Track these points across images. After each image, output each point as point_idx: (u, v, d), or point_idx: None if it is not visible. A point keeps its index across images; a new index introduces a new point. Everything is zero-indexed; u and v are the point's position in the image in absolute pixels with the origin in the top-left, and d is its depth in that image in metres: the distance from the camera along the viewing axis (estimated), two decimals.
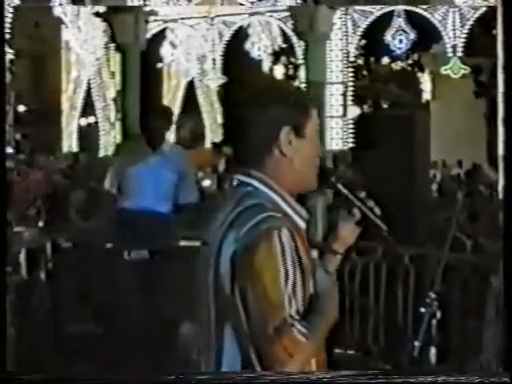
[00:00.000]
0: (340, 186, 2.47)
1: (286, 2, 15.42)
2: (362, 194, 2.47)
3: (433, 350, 3.54)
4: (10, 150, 2.98)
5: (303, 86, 18.02)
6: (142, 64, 14.05)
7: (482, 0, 6.58)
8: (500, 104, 2.67)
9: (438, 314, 3.42)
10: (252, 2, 16.12)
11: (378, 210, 2.49)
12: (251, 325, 2.19)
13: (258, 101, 2.35)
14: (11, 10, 12.11)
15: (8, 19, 11.91)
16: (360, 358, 5.95)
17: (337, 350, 5.71)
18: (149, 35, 19.26)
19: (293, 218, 2.32)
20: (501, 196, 2.63)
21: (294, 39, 18.91)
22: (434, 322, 3.42)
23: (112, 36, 13.35)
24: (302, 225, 2.35)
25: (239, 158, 2.37)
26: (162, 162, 6.03)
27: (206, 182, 16.71)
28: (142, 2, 15.37)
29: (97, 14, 13.88)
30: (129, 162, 6.09)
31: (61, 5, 13.05)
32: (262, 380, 2.22)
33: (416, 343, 3.39)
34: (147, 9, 14.26)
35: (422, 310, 3.45)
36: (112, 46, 17.71)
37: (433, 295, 3.47)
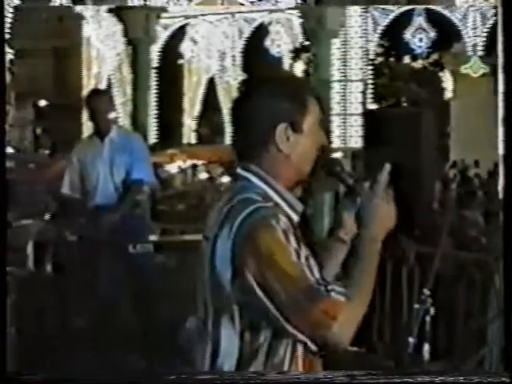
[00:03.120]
0: (344, 176, 2.46)
1: (287, 3, 15.40)
2: (367, 184, 2.45)
3: (426, 347, 3.54)
4: (10, 150, 3.02)
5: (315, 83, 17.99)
6: (161, 60, 14.09)
7: (483, 0, 6.55)
8: (500, 104, 2.66)
9: (432, 311, 3.42)
10: (252, 2, 16.08)
11: None
12: (279, 305, 2.17)
13: (255, 96, 2.34)
14: (11, 9, 12.16)
15: (8, 19, 11.96)
16: (364, 354, 5.94)
17: None
18: (169, 31, 19.29)
19: (285, 211, 2.31)
20: (501, 196, 2.63)
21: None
22: (427, 318, 3.43)
23: (125, 32, 13.41)
24: (295, 217, 2.34)
25: (239, 152, 2.37)
26: (112, 149, 6.00)
27: (225, 178, 16.72)
28: (142, 2, 15.41)
29: (110, 10, 13.92)
30: (82, 160, 6.07)
31: (61, 4, 13.12)
32: (261, 380, 2.22)
33: (410, 340, 3.39)
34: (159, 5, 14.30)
35: (417, 306, 3.46)
36: (126, 40, 17.76)
37: (427, 292, 3.47)
